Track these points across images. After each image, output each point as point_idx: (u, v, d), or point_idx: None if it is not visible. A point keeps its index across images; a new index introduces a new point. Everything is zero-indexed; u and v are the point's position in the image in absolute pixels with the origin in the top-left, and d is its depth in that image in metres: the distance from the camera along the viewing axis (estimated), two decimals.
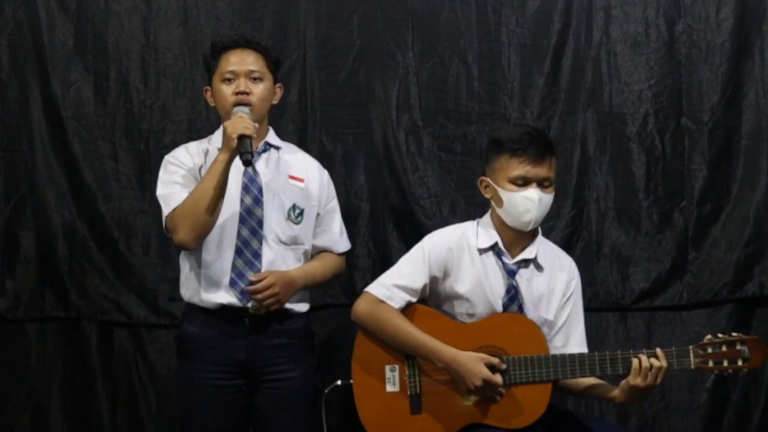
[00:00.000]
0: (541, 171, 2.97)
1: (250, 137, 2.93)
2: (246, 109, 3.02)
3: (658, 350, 2.86)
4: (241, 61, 3.08)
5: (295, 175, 3.16)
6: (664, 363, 2.84)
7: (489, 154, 3.05)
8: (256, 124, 3.01)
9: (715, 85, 3.65)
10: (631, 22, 3.67)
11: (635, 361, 2.84)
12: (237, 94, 3.04)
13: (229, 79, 3.08)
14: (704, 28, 3.66)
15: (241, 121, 2.95)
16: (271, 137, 3.19)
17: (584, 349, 3.06)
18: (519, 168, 2.96)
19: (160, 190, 3.09)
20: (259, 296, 3.01)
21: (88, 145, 3.68)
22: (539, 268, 3.05)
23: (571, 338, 3.06)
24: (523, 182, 2.96)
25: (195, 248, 3.04)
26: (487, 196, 3.06)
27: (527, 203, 2.96)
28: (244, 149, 2.91)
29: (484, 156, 3.14)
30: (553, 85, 3.68)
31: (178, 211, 3.00)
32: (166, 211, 3.05)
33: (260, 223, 3.07)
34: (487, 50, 3.69)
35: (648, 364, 2.83)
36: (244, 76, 3.07)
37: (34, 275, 3.68)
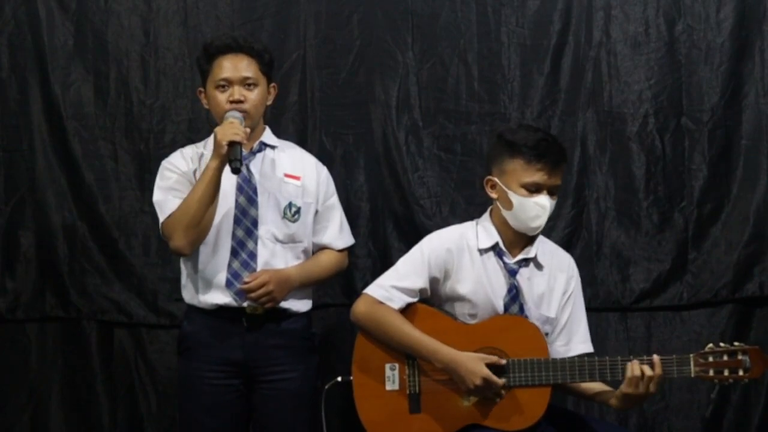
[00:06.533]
0: (555, 180, 2.96)
1: (240, 144, 2.92)
2: (238, 114, 3.01)
3: (655, 357, 2.83)
4: (235, 68, 3.06)
5: (291, 173, 3.16)
6: (658, 371, 2.81)
7: (499, 155, 3.00)
8: (248, 129, 3.00)
9: (715, 85, 3.64)
10: (631, 22, 3.67)
11: (627, 369, 2.82)
12: (231, 102, 3.03)
13: (223, 86, 3.06)
14: (704, 28, 3.65)
15: (231, 127, 2.94)
16: (267, 136, 3.19)
17: (588, 347, 3.06)
18: (535, 175, 2.94)
19: (156, 197, 3.11)
20: (253, 295, 3.01)
21: (88, 145, 3.69)
22: (539, 266, 3.04)
23: (573, 338, 3.06)
24: (536, 189, 2.94)
25: (191, 254, 3.05)
26: (494, 196, 3.03)
27: (538, 209, 2.95)
28: (233, 156, 2.90)
29: (488, 154, 3.12)
30: (553, 85, 3.68)
31: (171, 218, 3.02)
32: (161, 218, 3.06)
33: (255, 223, 3.06)
34: (487, 50, 3.68)
35: (639, 372, 2.80)
36: (238, 84, 3.05)
37: (34, 275, 3.69)
